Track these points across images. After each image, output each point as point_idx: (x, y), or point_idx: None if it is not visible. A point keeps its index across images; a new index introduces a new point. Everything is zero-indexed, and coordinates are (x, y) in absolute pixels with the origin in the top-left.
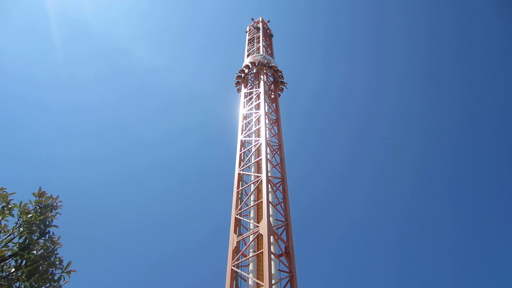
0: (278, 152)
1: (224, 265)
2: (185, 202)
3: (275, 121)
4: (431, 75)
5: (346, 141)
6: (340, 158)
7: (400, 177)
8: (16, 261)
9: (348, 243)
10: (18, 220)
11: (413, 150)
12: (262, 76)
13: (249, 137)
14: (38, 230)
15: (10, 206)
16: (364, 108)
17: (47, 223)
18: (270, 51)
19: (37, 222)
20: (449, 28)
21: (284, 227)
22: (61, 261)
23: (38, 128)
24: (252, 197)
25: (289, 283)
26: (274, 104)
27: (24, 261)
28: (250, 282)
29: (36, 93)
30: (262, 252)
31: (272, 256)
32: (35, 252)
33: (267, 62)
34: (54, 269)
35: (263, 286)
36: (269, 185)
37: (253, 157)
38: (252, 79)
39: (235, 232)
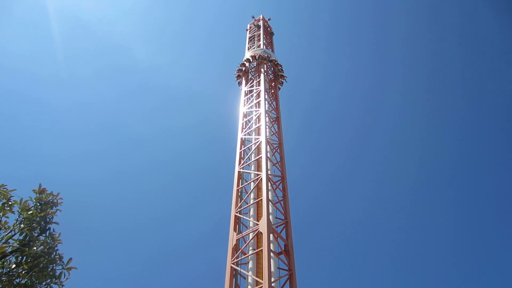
0: (278, 150)
1: (224, 263)
2: (185, 200)
3: (275, 119)
4: (433, 73)
5: (346, 140)
6: (340, 156)
7: (401, 176)
8: (16, 257)
9: (348, 241)
10: (18, 216)
11: (415, 149)
12: (262, 70)
13: (249, 135)
14: (39, 227)
15: (10, 203)
16: (366, 106)
17: (48, 219)
18: (270, 49)
19: (38, 219)
20: (452, 27)
21: (283, 225)
22: (61, 257)
23: (38, 126)
24: (252, 195)
25: (288, 281)
26: (274, 102)
27: (25, 258)
28: (250, 279)
29: (36, 90)
30: (262, 250)
31: (271, 254)
32: (35, 248)
33: (267, 56)
34: (54, 265)
35: (262, 284)
36: (269, 183)
37: (253, 155)
38: (252, 72)
39: (234, 230)
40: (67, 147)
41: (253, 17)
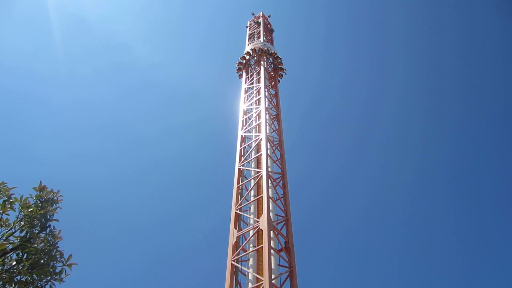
0: (278, 147)
1: (224, 260)
2: (185, 197)
3: (275, 117)
4: (433, 72)
5: (347, 137)
6: (341, 154)
7: (401, 174)
8: (17, 254)
9: (348, 239)
10: (19, 214)
11: (415, 147)
12: (262, 62)
13: (249, 132)
14: (39, 224)
15: (11, 200)
16: (366, 104)
17: (48, 217)
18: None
19: (38, 216)
20: (450, 26)
21: (284, 222)
22: (61, 254)
23: (38, 124)
24: (252, 192)
25: (289, 278)
26: (274, 100)
27: (25, 255)
28: (250, 276)
29: (36, 88)
30: (262, 247)
31: (272, 251)
32: (36, 245)
33: (267, 49)
34: (55, 262)
35: (263, 281)
36: (269, 180)
37: (253, 152)
38: (253, 65)
39: (235, 227)
40: (67, 145)
41: (253, 14)
